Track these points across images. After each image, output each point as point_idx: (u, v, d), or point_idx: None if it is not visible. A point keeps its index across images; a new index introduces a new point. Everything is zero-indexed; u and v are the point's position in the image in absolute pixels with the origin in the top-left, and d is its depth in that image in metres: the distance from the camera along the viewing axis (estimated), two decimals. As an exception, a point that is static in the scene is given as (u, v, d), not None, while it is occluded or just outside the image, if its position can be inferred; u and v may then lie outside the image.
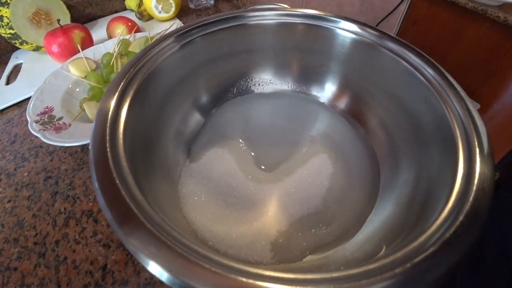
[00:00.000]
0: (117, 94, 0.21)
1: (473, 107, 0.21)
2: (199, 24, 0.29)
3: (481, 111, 0.96)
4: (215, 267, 0.13)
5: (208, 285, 0.12)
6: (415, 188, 0.23)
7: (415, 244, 0.14)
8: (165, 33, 0.42)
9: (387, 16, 1.17)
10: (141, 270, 0.26)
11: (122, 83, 0.21)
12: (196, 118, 0.32)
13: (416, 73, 0.25)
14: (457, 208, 0.16)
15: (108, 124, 0.19)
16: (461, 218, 0.15)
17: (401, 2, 1.10)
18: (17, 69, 0.57)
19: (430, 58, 0.25)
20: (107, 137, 0.18)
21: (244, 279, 0.12)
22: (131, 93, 0.21)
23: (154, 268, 0.13)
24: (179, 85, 0.28)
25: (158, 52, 0.25)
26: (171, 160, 0.28)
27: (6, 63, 0.60)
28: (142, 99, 0.23)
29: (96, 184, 0.16)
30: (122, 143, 0.18)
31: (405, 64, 0.26)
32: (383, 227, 0.23)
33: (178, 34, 0.27)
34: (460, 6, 0.94)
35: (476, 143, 0.19)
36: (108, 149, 0.18)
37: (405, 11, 1.13)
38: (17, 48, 0.63)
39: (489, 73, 0.98)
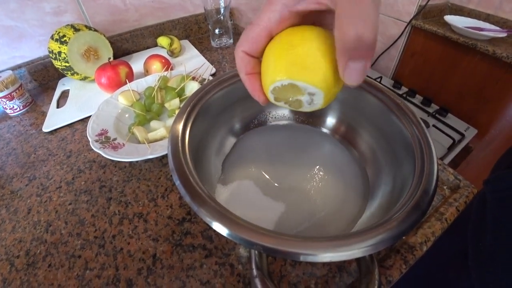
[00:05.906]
0: (183, 119, 0.30)
1: (425, 127, 0.30)
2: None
3: (479, 136, 0.99)
4: (249, 225, 0.21)
5: (245, 235, 0.21)
6: (392, 195, 0.31)
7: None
8: (201, 72, 0.52)
9: (387, 49, 1.26)
10: (184, 258, 0.33)
11: (186, 112, 0.31)
12: (230, 140, 0.41)
13: (389, 111, 0.33)
14: (415, 191, 0.24)
15: (179, 139, 0.28)
16: (417, 194, 0.23)
17: (400, 36, 1.19)
18: (64, 94, 0.67)
19: (397, 100, 0.33)
20: (180, 148, 0.27)
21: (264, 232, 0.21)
22: (191, 119, 0.31)
23: (216, 226, 0.21)
24: (221, 115, 0.38)
25: (208, 91, 0.35)
26: (212, 168, 0.36)
27: (54, 88, 0.69)
28: (197, 123, 0.32)
29: (176, 176, 0.25)
30: (188, 151, 0.27)
31: (382, 104, 0.34)
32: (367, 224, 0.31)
33: (222, 79, 0.36)
34: (453, 40, 1.01)
35: (425, 153, 0.27)
36: (181, 155, 0.27)
37: (403, 44, 1.21)
38: (63, 75, 0.74)
39: (484, 100, 1.03)
